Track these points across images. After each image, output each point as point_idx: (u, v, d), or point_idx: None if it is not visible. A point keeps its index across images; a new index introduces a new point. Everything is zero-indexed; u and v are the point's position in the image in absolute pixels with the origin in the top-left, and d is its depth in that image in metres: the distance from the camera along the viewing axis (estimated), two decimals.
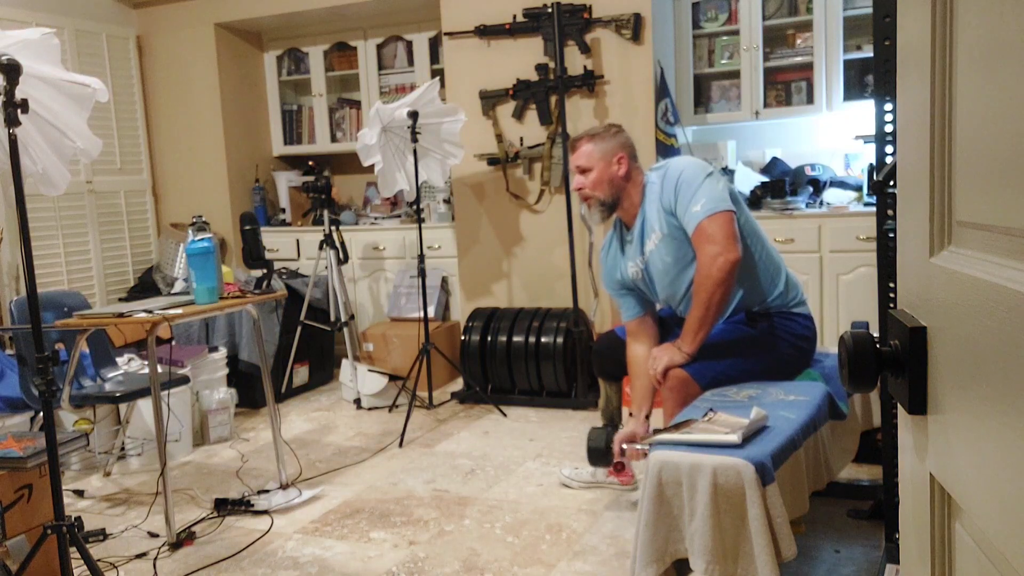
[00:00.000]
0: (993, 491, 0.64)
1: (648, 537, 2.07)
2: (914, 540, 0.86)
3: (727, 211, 2.58)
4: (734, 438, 2.08)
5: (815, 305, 4.09)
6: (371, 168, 4.40)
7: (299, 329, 4.72)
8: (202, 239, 3.03)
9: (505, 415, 4.24)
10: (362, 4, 5.15)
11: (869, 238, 3.98)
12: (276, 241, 5.52)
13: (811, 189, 4.42)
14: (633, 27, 4.30)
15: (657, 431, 2.38)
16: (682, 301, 2.78)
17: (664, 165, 2.80)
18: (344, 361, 4.69)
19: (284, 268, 5.22)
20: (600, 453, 2.97)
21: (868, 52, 4.31)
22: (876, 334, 0.89)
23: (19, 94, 2.13)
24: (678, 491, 2.06)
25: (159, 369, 2.97)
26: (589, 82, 4.39)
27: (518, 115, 4.60)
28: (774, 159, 4.66)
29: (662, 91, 4.38)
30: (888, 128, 2.07)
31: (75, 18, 5.11)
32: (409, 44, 5.45)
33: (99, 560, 2.66)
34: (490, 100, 4.65)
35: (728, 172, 4.63)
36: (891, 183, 2.06)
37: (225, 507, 3.18)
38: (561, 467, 3.34)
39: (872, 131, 2.12)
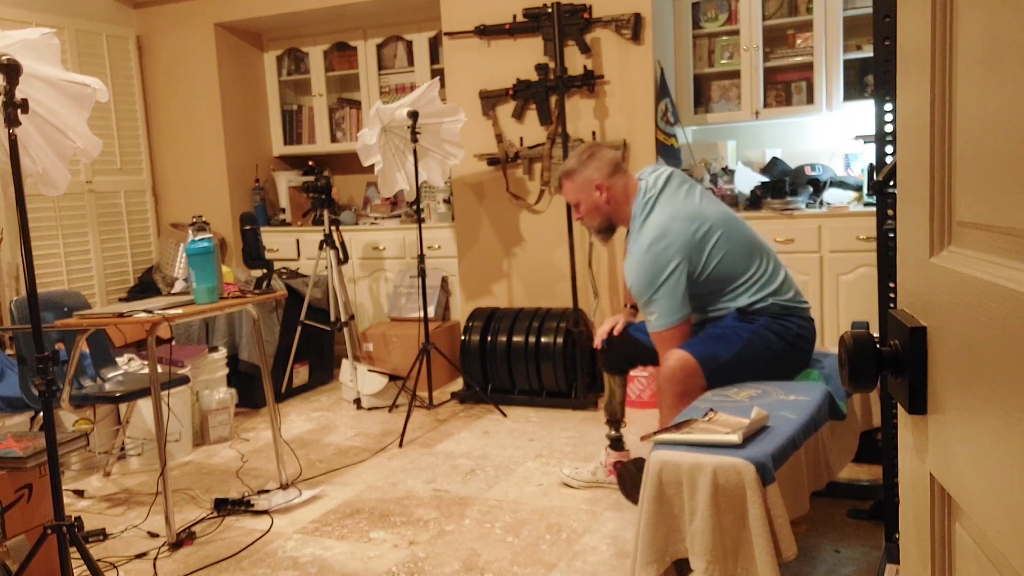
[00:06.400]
0: (993, 491, 0.64)
1: (648, 537, 2.07)
2: (914, 540, 0.86)
3: (678, 325, 2.70)
4: (734, 438, 2.08)
5: (815, 305, 4.09)
6: (371, 168, 4.40)
7: (299, 329, 4.71)
8: (202, 239, 3.03)
9: (505, 415, 4.24)
10: (362, 4, 5.15)
11: (869, 238, 3.98)
12: (276, 241, 5.52)
13: (811, 189, 4.42)
14: (633, 27, 4.29)
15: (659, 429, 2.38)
16: None
17: (644, 205, 2.82)
18: (344, 361, 4.69)
19: (284, 268, 5.22)
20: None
21: (868, 52, 4.31)
22: (876, 334, 0.89)
23: (19, 94, 2.13)
24: (678, 491, 2.06)
25: (159, 369, 2.97)
26: (589, 82, 4.38)
27: (518, 115, 4.60)
28: (774, 159, 4.66)
29: (662, 91, 4.38)
30: (888, 128, 2.07)
31: (75, 18, 5.11)
32: (409, 44, 5.45)
33: (99, 560, 2.66)
34: (490, 100, 4.65)
35: (728, 172, 4.64)
36: (891, 183, 2.06)
37: (225, 507, 3.18)
38: (561, 466, 3.34)
39: (872, 131, 2.12)
